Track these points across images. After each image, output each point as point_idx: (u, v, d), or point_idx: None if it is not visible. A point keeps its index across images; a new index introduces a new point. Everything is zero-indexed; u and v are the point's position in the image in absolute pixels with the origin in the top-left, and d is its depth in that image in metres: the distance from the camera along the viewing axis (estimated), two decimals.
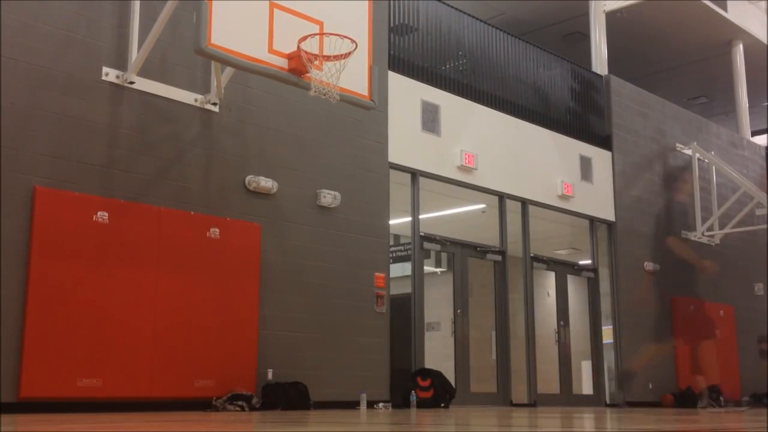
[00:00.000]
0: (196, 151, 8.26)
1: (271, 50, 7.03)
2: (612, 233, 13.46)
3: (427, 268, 11.76)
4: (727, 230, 15.20)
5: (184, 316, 7.79)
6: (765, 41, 17.06)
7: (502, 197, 11.78)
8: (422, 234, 10.65)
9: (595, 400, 12.90)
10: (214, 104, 8.36)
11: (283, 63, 7.11)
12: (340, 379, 9.07)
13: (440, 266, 13.45)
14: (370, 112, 9.05)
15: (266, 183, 8.66)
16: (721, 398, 13.64)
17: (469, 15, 11.98)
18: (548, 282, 13.57)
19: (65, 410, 6.90)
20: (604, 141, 13.70)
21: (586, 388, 13.32)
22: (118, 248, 7.44)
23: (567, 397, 12.57)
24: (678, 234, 14.61)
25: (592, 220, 13.32)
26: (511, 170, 11.94)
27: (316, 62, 7.10)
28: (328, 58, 7.13)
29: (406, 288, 10.52)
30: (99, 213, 7.36)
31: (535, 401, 11.68)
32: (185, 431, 4.05)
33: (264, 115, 8.85)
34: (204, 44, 6.61)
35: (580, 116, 13.60)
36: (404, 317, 10.22)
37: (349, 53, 7.11)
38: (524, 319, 11.89)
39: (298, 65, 7.08)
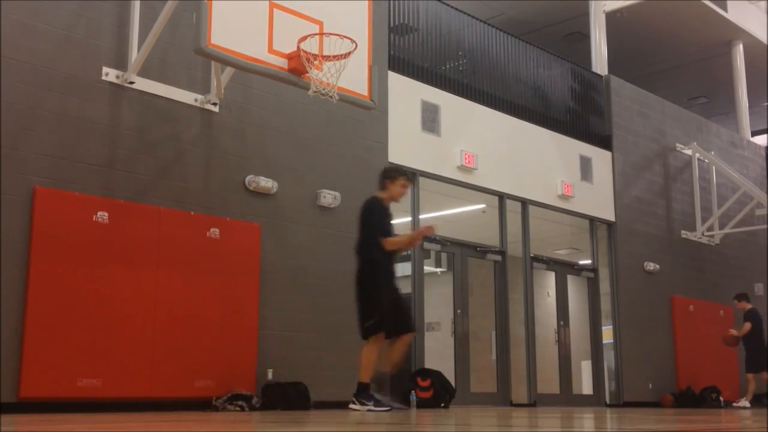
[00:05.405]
0: (196, 151, 8.26)
1: (270, 50, 7.02)
2: (612, 233, 13.46)
3: (427, 268, 11.76)
4: (727, 230, 15.21)
5: (184, 316, 7.79)
6: (765, 41, 17.07)
7: (502, 197, 11.78)
8: None
9: (595, 400, 12.91)
10: (214, 104, 8.36)
11: (283, 63, 7.11)
12: (340, 379, 9.06)
13: (440, 266, 13.45)
14: (370, 112, 9.05)
15: (266, 183, 8.66)
16: (721, 399, 13.65)
17: (469, 15, 11.98)
18: (548, 282, 13.57)
19: (65, 410, 6.90)
20: (604, 141, 13.70)
21: (586, 388, 13.32)
22: (118, 248, 7.44)
23: (567, 397, 12.57)
24: (678, 234, 14.62)
25: (592, 220, 13.32)
26: (511, 170, 11.94)
27: (316, 62, 7.09)
28: (327, 58, 7.12)
29: (406, 288, 10.50)
30: (99, 213, 7.36)
31: (535, 401, 11.68)
32: (185, 431, 4.06)
33: (264, 115, 8.85)
34: (204, 44, 6.61)
35: (580, 116, 13.61)
36: None
37: (349, 53, 7.11)
38: (524, 319, 11.89)
39: (298, 65, 7.08)
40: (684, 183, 15.07)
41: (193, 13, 6.70)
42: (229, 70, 7.93)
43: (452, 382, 10.14)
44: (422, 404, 9.58)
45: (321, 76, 7.14)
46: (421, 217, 10.59)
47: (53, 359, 6.92)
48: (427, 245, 10.84)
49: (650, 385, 13.39)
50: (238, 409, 7.67)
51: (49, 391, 6.89)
